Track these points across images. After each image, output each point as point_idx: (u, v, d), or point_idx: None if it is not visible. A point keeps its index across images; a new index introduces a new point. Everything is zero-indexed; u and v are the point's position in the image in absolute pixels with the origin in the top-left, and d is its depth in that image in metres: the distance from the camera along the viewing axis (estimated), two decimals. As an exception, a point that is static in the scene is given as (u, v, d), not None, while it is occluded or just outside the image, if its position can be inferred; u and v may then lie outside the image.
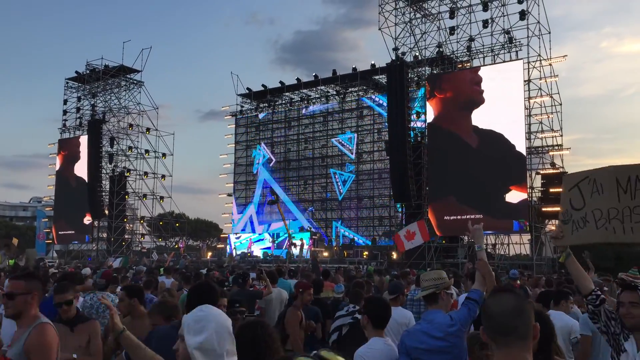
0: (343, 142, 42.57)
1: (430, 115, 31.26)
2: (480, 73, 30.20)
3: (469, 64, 32.47)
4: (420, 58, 33.20)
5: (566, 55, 30.92)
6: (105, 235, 41.94)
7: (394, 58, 32.94)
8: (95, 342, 4.98)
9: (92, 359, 4.96)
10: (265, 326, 3.18)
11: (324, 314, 7.32)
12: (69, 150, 43.91)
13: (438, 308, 4.42)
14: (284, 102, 45.86)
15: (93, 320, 5.13)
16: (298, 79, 42.70)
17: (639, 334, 3.43)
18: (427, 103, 31.55)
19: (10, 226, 74.00)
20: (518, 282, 11.47)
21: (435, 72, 32.94)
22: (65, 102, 44.60)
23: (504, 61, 30.48)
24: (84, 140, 41.85)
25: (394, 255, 31.40)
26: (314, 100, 44.35)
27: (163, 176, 42.99)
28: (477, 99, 29.55)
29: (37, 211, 55.05)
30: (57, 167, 44.88)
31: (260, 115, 46.59)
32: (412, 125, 32.96)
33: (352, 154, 42.09)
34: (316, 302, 8.11)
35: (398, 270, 16.81)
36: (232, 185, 46.92)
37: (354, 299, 6.39)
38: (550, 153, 30.63)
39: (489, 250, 32.43)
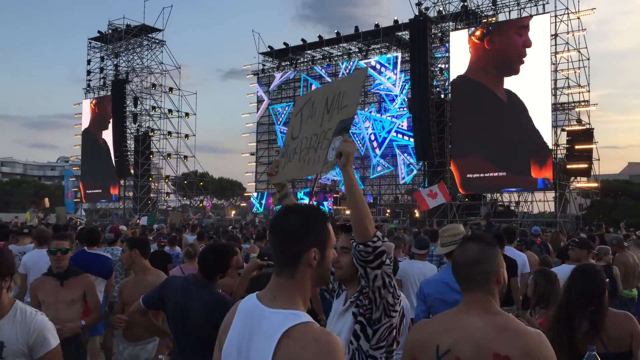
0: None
1: (455, 70, 30.75)
2: (506, 27, 29.50)
3: (494, 19, 31.70)
4: (444, 13, 32.50)
5: (595, 8, 30.10)
6: (131, 194, 42.67)
7: (417, 13, 32.31)
8: (92, 297, 4.84)
9: (92, 316, 4.83)
10: None
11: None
12: (93, 110, 44.36)
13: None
14: (305, 59, 45.47)
15: (85, 274, 4.93)
16: (320, 37, 42.21)
17: (350, 290, 2.69)
18: (456, 55, 30.93)
19: (39, 185, 75.60)
20: (539, 238, 11.50)
21: (459, 27, 32.23)
22: (88, 62, 44.78)
23: (530, 15, 29.68)
24: (108, 100, 42.17)
25: (417, 214, 31.46)
26: (335, 58, 43.87)
27: (186, 135, 43.27)
28: (518, 54, 28.76)
29: (64, 170, 56.04)
30: (82, 127, 45.43)
31: (276, 79, 46.21)
32: (435, 81, 32.54)
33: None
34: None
35: (419, 228, 16.91)
36: (255, 144, 47.10)
37: None
38: (577, 109, 30.08)
39: (512, 207, 32.33)
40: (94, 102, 44.43)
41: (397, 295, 2.51)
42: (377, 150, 41.26)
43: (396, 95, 39.79)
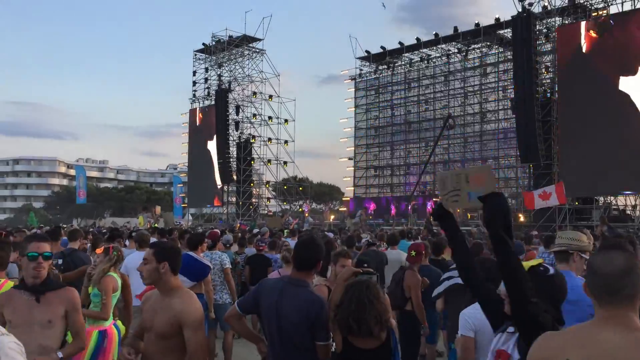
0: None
1: (562, 68, 29.16)
2: (618, 20, 27.55)
3: (605, 12, 29.76)
4: (549, 8, 30.96)
5: None
6: (234, 199, 44.12)
7: (519, 10, 30.99)
8: (75, 318, 3.77)
9: (73, 344, 3.79)
10: (371, 286, 3.28)
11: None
12: (199, 119, 46.38)
13: (568, 269, 4.20)
14: (403, 62, 45.03)
15: (68, 287, 3.86)
16: (417, 39, 41.61)
17: None
18: (558, 56, 29.42)
19: (150, 191, 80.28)
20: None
21: (566, 22, 30.56)
22: (194, 73, 46.90)
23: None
24: (212, 109, 43.94)
25: (521, 218, 30.16)
26: (434, 60, 43.11)
27: (286, 142, 44.16)
28: (618, 52, 26.63)
29: (173, 177, 59.09)
30: (189, 135, 47.60)
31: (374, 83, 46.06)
32: (540, 80, 31.05)
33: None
34: (436, 264, 8.04)
35: (523, 232, 16.11)
36: (353, 149, 47.23)
37: None
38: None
39: (627, 211, 30.14)
40: (199, 111, 46.46)
41: None
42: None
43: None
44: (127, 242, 10.14)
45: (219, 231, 10.82)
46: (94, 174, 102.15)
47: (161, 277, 3.57)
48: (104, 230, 15.74)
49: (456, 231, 3.10)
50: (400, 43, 42.62)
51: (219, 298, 7.65)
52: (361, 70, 46.69)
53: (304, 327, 3.50)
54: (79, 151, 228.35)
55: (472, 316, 3.73)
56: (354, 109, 47.19)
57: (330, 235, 14.85)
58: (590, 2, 30.12)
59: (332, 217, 44.18)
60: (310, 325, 3.49)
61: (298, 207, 46.80)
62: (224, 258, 8.05)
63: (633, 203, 30.19)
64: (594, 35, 28.06)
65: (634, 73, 26.58)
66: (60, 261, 6.59)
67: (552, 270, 2.89)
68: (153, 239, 8.55)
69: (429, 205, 34.30)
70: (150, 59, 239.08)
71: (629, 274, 1.97)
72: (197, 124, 46.43)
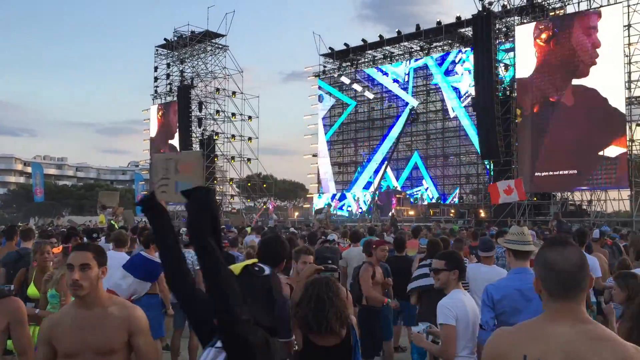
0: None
1: (521, 66, 29.79)
2: (575, 19, 28.32)
3: (562, 11, 30.50)
4: (508, 7, 31.54)
5: (672, -5, 28.40)
6: (197, 196, 43.59)
7: (479, 9, 31.48)
8: (20, 332, 3.29)
9: None
10: (331, 283, 3.28)
11: (406, 270, 7.34)
12: (160, 116, 45.73)
13: (526, 265, 4.24)
14: (366, 60, 45.27)
15: (11, 297, 3.42)
16: (380, 36, 41.90)
17: None
18: (522, 50, 30.02)
19: (111, 189, 78.70)
20: (608, 239, 10.94)
21: (525, 21, 31.20)
22: (155, 69, 46.22)
23: (601, 6, 28.35)
24: (174, 105, 43.35)
25: (482, 214, 30.72)
26: (397, 57, 43.46)
27: (250, 138, 43.91)
28: (588, 56, 27.50)
29: (135, 174, 58.10)
30: (151, 132, 46.90)
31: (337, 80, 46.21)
32: (500, 78, 31.64)
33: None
34: (400, 260, 8.14)
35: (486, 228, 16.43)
36: (317, 145, 47.27)
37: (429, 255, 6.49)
38: (654, 103, 28.55)
39: (584, 206, 30.98)
40: (161, 107, 45.79)
41: None
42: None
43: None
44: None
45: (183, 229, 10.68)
46: (52, 171, 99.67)
47: (98, 285, 2.97)
48: (63, 230, 15.39)
49: (165, 229, 2.60)
50: (363, 40, 42.85)
51: None
52: (325, 67, 46.77)
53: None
54: (36, 148, 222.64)
55: (453, 305, 3.75)
56: (318, 105, 47.25)
57: (293, 230, 14.89)
58: (548, 1, 30.80)
59: (297, 214, 44.16)
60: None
61: (262, 204, 46.60)
62: (196, 258, 7.79)
63: (589, 198, 31.03)
64: (542, 44, 28.92)
65: (585, 75, 27.39)
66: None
67: (267, 271, 2.72)
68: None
69: (393, 202, 34.57)
70: (111, 54, 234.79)
71: (583, 269, 2.04)
72: (159, 121, 45.79)
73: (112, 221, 18.04)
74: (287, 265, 4.91)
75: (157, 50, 45.90)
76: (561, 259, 2.05)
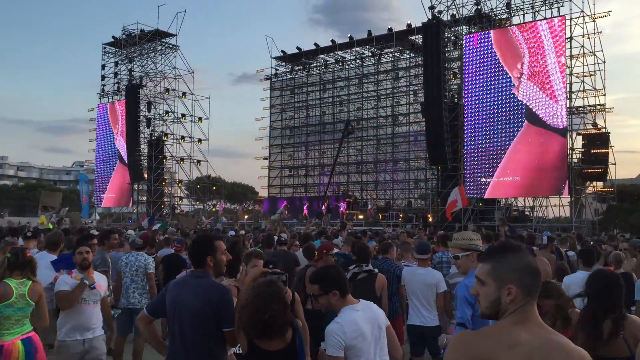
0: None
1: (469, 74, 30.57)
2: (520, 31, 29.27)
3: (508, 22, 31.45)
4: (457, 17, 32.30)
5: (610, 11, 30.00)
6: (144, 198, 42.82)
7: (430, 17, 32.13)
8: None
9: None
10: (273, 286, 3.29)
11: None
12: (107, 115, 44.62)
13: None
14: (318, 64, 45.48)
15: None
16: (333, 41, 42.21)
17: None
18: (465, 62, 30.87)
19: (54, 189, 76.28)
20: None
21: (472, 30, 32.01)
22: (103, 67, 45.11)
23: (545, 18, 29.37)
24: (122, 105, 42.42)
25: (430, 218, 31.28)
26: (348, 62, 43.85)
27: (199, 140, 43.37)
28: (517, 60, 28.67)
29: (79, 175, 56.53)
30: (97, 131, 45.71)
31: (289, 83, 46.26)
32: (448, 85, 32.36)
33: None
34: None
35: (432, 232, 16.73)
36: (268, 148, 47.14)
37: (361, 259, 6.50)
38: (593, 113, 29.74)
39: (526, 212, 31.97)
40: (108, 107, 44.71)
41: None
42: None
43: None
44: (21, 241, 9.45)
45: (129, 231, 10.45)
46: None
47: None
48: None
49: None
50: (315, 44, 43.08)
51: (137, 302, 7.25)
52: (277, 70, 46.74)
53: (209, 313, 3.51)
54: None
55: (341, 331, 3.42)
56: (269, 108, 47.13)
57: (233, 233, 14.77)
58: (495, 12, 31.70)
59: (246, 216, 43.84)
60: (215, 311, 3.49)
61: (211, 206, 46.11)
62: (150, 262, 7.57)
63: (531, 204, 32.05)
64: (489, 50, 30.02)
65: (527, 79, 28.41)
66: None
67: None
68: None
69: (342, 206, 34.83)
70: (55, 51, 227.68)
71: (540, 273, 2.10)
72: (106, 120, 44.69)
73: (49, 225, 17.44)
74: (234, 267, 4.89)
75: (104, 48, 44.84)
76: (535, 264, 2.11)
